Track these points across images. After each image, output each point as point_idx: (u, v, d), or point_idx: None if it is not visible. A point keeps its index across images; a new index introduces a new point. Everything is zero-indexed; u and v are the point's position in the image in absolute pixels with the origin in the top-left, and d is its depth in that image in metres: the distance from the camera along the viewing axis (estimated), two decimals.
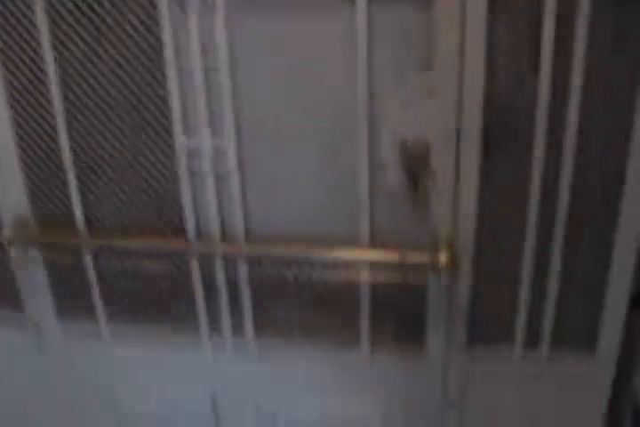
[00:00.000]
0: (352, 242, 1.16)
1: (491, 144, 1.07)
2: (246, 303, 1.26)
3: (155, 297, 1.31)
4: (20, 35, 1.14)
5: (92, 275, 1.30)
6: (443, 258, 1.08)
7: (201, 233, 1.22)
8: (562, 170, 1.07)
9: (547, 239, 1.12)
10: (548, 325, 1.18)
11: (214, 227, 1.21)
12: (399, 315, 1.22)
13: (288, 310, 1.26)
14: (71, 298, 1.35)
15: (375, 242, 1.16)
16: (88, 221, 1.26)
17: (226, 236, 1.21)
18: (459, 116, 1.05)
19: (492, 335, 1.21)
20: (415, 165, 1.10)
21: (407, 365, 1.25)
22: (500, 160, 1.08)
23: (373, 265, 1.15)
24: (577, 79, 1.00)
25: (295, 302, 1.25)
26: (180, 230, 1.23)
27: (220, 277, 1.25)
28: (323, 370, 1.29)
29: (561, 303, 1.17)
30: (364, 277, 1.18)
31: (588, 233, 1.12)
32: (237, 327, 1.29)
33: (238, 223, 1.20)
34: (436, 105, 1.05)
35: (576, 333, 1.19)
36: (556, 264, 1.13)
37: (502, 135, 1.06)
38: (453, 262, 1.10)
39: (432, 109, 1.06)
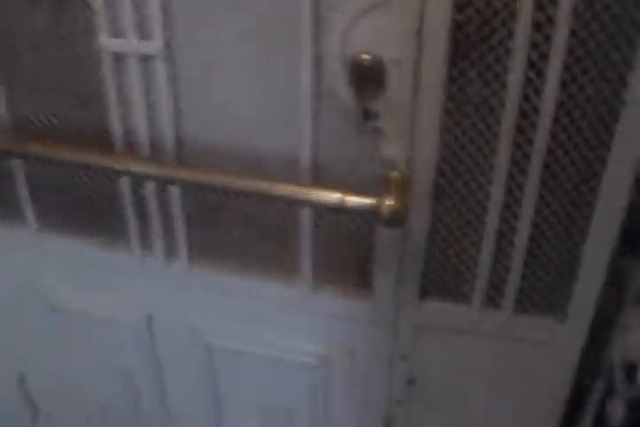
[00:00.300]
0: (294, 175, 1.01)
1: (459, 57, 0.88)
2: (179, 226, 1.14)
3: (85, 206, 1.20)
4: None
5: (19, 179, 1.21)
6: (392, 203, 0.92)
7: (130, 145, 1.09)
8: (546, 88, 0.87)
9: (519, 182, 0.95)
10: (512, 282, 1.02)
11: (143, 139, 1.07)
12: (344, 258, 1.08)
13: (224, 237, 1.13)
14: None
15: (320, 178, 1.01)
16: (16, 126, 1.15)
17: (156, 149, 1.08)
18: (420, 25, 0.86)
19: (449, 290, 1.06)
20: (367, 87, 0.92)
21: (353, 311, 1.12)
22: (469, 78, 0.89)
23: (313, 204, 1.00)
24: None
25: (231, 230, 1.12)
26: (109, 142, 1.10)
27: (150, 197, 1.12)
28: (262, 304, 1.18)
29: (529, 259, 1.01)
30: (304, 215, 1.04)
31: (570, 172, 0.93)
32: (171, 250, 1.18)
33: (169, 139, 1.06)
34: (394, 12, 0.87)
35: (545, 293, 1.03)
36: (527, 211, 0.96)
37: (473, 48, 0.88)
38: (405, 209, 0.94)
39: (389, 18, 0.87)
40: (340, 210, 0.94)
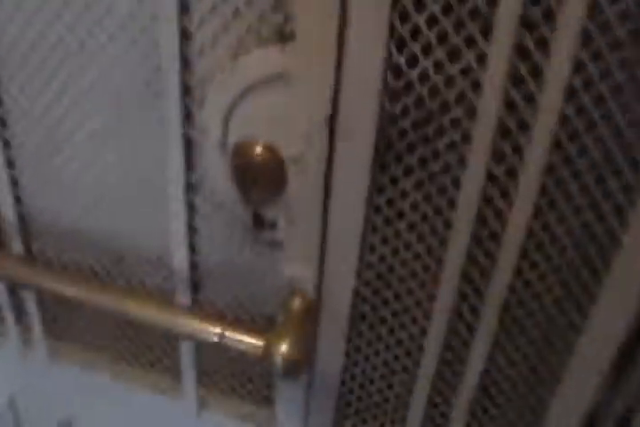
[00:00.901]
0: (166, 285, 0.75)
1: (391, 160, 0.61)
2: (33, 316, 0.89)
3: None
4: None
5: None
6: (285, 350, 0.65)
7: None
8: (512, 215, 0.60)
9: (468, 322, 0.69)
10: None
11: None
12: (238, 375, 0.83)
13: (91, 331, 0.88)
14: None
15: (200, 292, 0.74)
16: None
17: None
18: (332, 111, 0.58)
19: None
20: (259, 186, 0.65)
21: None
22: (403, 189, 0.63)
23: (183, 336, 0.74)
24: None
25: (97, 325, 0.87)
26: None
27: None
28: (141, 412, 0.93)
29: (475, 408, 0.76)
30: (184, 341, 0.78)
31: (528, 322, 0.68)
32: (27, 338, 0.93)
33: (12, 222, 0.79)
34: (296, 94, 0.58)
35: None
36: (477, 358, 0.70)
37: (411, 150, 0.60)
38: (305, 355, 0.68)
39: (289, 97, 0.59)
40: (219, 348, 0.68)
